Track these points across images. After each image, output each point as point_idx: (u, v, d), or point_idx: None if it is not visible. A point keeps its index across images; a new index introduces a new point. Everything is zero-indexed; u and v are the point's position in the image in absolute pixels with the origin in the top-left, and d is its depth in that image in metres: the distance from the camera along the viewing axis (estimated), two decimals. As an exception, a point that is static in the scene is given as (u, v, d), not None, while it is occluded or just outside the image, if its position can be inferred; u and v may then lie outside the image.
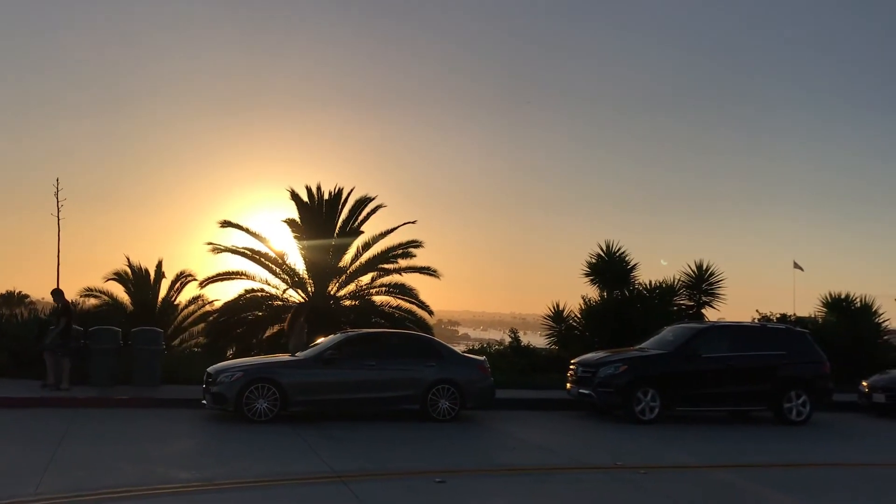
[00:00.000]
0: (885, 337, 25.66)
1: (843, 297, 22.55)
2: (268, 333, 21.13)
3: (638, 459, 10.52)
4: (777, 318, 21.72)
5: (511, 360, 20.08)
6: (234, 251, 21.67)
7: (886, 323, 25.17)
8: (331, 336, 14.38)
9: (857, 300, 22.49)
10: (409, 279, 21.88)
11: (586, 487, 8.81)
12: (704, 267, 21.83)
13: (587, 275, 22.28)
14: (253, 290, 21.68)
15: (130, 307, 21.93)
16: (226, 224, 21.81)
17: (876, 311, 22.63)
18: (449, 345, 15.56)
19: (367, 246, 21.92)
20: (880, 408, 16.58)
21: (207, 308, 23.03)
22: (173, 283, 23.01)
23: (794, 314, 22.68)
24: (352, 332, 14.63)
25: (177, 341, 22.53)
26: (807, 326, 20.37)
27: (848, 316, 21.92)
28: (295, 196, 21.75)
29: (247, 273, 21.84)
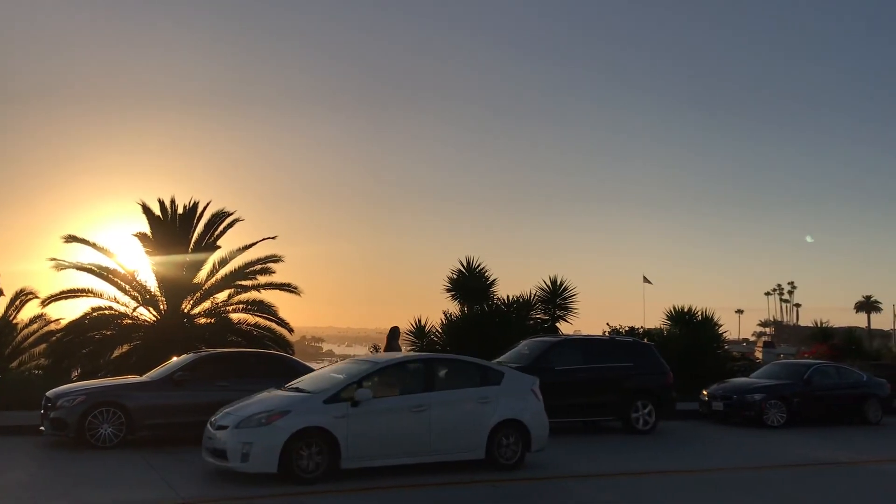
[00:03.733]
0: (725, 347, 27.48)
1: (685, 310, 23.93)
2: (116, 353, 20.13)
3: (493, 472, 10.70)
4: (626, 331, 22.77)
5: (372, 376, 19.99)
6: (80, 268, 20.55)
7: (726, 333, 26.95)
8: (182, 356, 13.85)
9: (699, 313, 23.93)
10: (268, 296, 21.46)
11: (446, 497, 8.86)
12: (559, 282, 22.63)
13: (448, 290, 22.61)
14: (101, 309, 20.62)
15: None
16: (71, 239, 20.65)
17: (716, 322, 24.17)
18: (309, 362, 15.34)
19: (223, 262, 21.33)
20: (719, 415, 17.65)
21: (52, 327, 21.70)
22: (12, 301, 21.64)
23: (643, 327, 23.86)
24: (204, 351, 14.13)
25: (15, 363, 21.10)
26: (653, 338, 21.51)
27: (690, 328, 23.28)
28: (147, 210, 20.89)
29: (94, 290, 20.76)
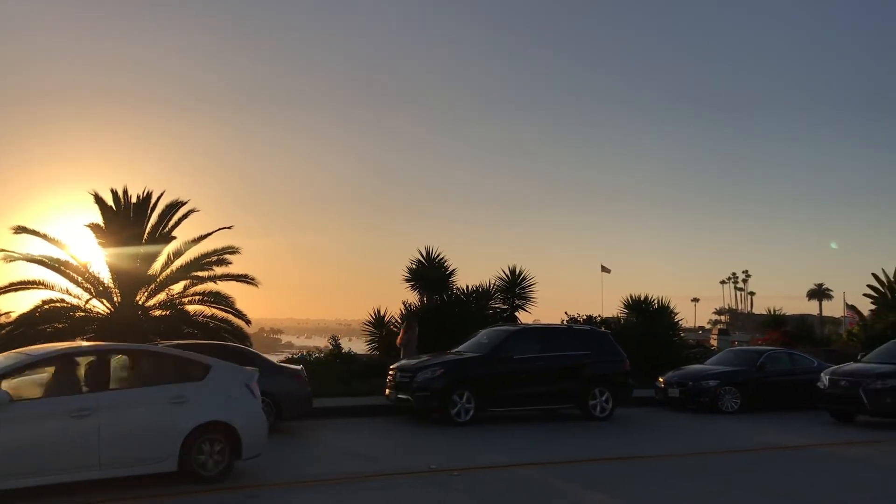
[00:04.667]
0: (681, 334, 27.93)
1: (642, 298, 24.25)
2: (69, 347, 19.69)
3: (452, 462, 10.73)
4: (584, 320, 22.99)
5: (331, 367, 19.95)
6: (31, 259, 20.07)
7: (682, 321, 27.39)
8: (137, 348, 13.57)
9: (655, 301, 24.27)
10: (225, 287, 21.19)
11: (398, 493, 8.88)
12: (518, 271, 22.76)
13: (408, 280, 22.61)
14: (52, 301, 20.17)
15: None
16: (20, 230, 20.11)
17: (672, 311, 24.55)
18: (267, 354, 15.20)
19: (179, 253, 21.00)
20: (675, 402, 17.93)
21: (1, 320, 21.18)
22: (-43, 294, 20.96)
23: (600, 315, 24.12)
24: (158, 344, 13.91)
25: (-40, 358, 20.52)
26: (610, 327, 21.77)
27: (647, 316, 23.61)
28: (99, 200, 20.46)
29: (45, 282, 20.26)
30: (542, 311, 30.36)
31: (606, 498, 8.92)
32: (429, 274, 22.22)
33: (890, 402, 15.27)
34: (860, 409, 15.61)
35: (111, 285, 20.47)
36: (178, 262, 21.01)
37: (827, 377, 16.30)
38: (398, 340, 18.60)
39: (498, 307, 22.76)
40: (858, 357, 17.70)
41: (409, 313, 20.80)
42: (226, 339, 19.32)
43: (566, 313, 23.69)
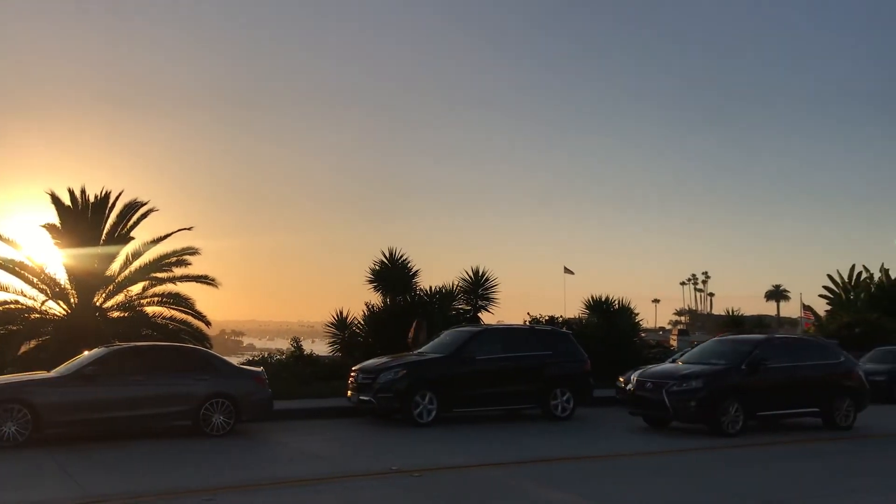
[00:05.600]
0: (642, 335, 28.23)
1: (604, 299, 24.45)
2: (24, 349, 19.38)
3: (414, 463, 10.71)
4: (546, 320, 23.11)
5: (293, 369, 19.80)
6: (-18, 260, 19.66)
7: (643, 322, 27.69)
8: (94, 350, 13.40)
9: (616, 302, 24.49)
10: (185, 288, 21.01)
11: (358, 495, 8.84)
12: (481, 273, 22.83)
13: (371, 281, 22.53)
14: (6, 303, 19.86)
15: None
16: (-28, 230, 19.73)
17: (633, 311, 24.79)
18: (229, 356, 15.07)
19: (137, 253, 20.77)
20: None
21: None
22: None
23: (562, 316, 24.27)
24: (116, 345, 13.71)
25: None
26: (572, 327, 21.93)
27: (608, 317, 23.80)
28: (56, 199, 20.15)
29: (-1, 284, 19.90)
30: (505, 311, 30.52)
31: (566, 496, 8.97)
32: (392, 275, 22.18)
33: (694, 407, 13.93)
34: (665, 413, 14.44)
35: (68, 287, 20.16)
36: (136, 263, 20.79)
37: (635, 378, 15.18)
38: (409, 339, 18.47)
39: (461, 308, 22.80)
40: (674, 358, 17.39)
41: (418, 313, 20.63)
42: (185, 341, 19.14)
43: (529, 314, 23.84)
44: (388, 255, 22.48)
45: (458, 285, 22.70)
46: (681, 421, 14.50)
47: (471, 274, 22.82)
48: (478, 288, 22.80)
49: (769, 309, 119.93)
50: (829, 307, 40.09)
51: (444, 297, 22.30)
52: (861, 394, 15.66)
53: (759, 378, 14.36)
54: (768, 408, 14.60)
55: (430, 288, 22.41)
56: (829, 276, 40.93)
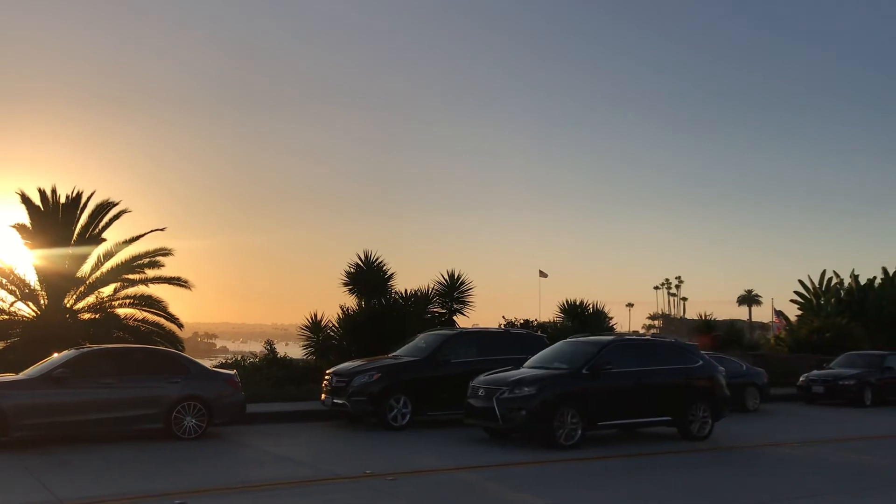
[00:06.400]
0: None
1: (578, 303, 24.59)
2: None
3: (388, 466, 10.68)
4: (521, 324, 23.18)
5: (266, 372, 19.68)
6: (-51, 260, 19.34)
7: (616, 326, 27.87)
8: (63, 352, 13.22)
9: (591, 306, 24.63)
10: (157, 290, 20.83)
11: (331, 498, 8.79)
12: (456, 276, 22.82)
13: (346, 284, 22.44)
14: (-26, 304, 19.48)
15: None
16: (-62, 230, 19.41)
17: (607, 315, 24.97)
18: (201, 359, 14.94)
19: (109, 254, 20.56)
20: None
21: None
22: None
23: (537, 320, 24.35)
24: (87, 347, 13.54)
25: None
26: (546, 331, 21.97)
27: (582, 320, 23.92)
28: (26, 199, 19.89)
29: (-35, 284, 19.58)
30: (481, 315, 30.56)
31: (538, 500, 8.99)
32: (367, 278, 22.10)
33: (524, 416, 12.38)
34: (496, 423, 12.85)
35: (38, 288, 19.90)
36: (108, 265, 20.57)
37: (471, 385, 13.53)
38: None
39: (436, 311, 22.77)
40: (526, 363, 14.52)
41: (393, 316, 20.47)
42: (157, 344, 18.96)
43: (504, 317, 23.88)
44: (363, 257, 22.41)
45: (433, 288, 22.68)
46: (510, 432, 13.16)
47: (446, 277, 22.82)
48: (453, 291, 22.78)
49: (741, 313, 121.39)
50: (800, 312, 40.60)
51: (419, 300, 22.26)
52: (719, 401, 14.34)
53: (601, 383, 12.98)
54: (612, 417, 13.22)
55: (406, 291, 22.39)
56: (801, 282, 41.48)
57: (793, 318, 40.46)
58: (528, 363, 14.15)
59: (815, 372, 23.18)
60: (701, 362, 14.54)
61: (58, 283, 19.84)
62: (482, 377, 13.63)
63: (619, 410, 13.27)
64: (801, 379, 22.95)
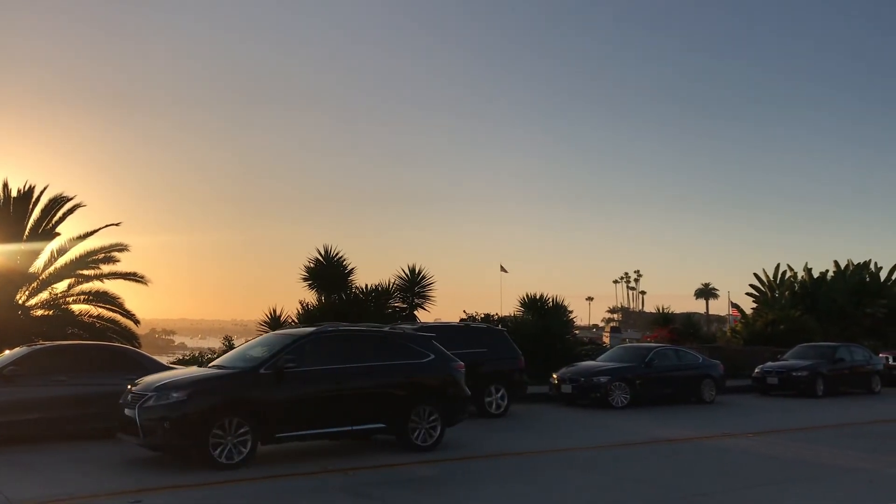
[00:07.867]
0: (575, 332, 28.68)
1: (538, 297, 24.76)
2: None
3: (350, 463, 10.66)
4: (481, 318, 23.28)
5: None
6: None
7: (576, 319, 28.12)
8: (14, 350, 12.95)
9: (550, 300, 24.83)
10: (113, 286, 20.52)
11: (294, 499, 8.76)
12: (417, 270, 22.84)
13: (305, 279, 22.34)
14: (-80, 301, 18.99)
15: None
16: None
17: (567, 309, 25.18)
18: (159, 356, 14.77)
19: (63, 250, 20.23)
20: (567, 397, 18.38)
21: None
22: None
23: (497, 314, 24.47)
24: (39, 344, 13.26)
25: None
26: (506, 325, 22.10)
27: (542, 314, 24.11)
28: (-25, 194, 19.42)
29: (-90, 282, 19.08)
30: (442, 309, 30.64)
31: (499, 491, 9.06)
32: (327, 273, 22.01)
33: (168, 428, 9.76)
34: (138, 436, 10.07)
35: (-12, 284, 19.45)
36: (62, 260, 20.24)
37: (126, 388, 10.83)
38: None
39: (397, 306, 22.78)
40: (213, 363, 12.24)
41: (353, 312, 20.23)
42: (113, 340, 18.68)
43: (465, 311, 23.97)
44: (323, 252, 22.32)
45: (394, 283, 22.68)
46: (155, 449, 10.40)
47: (407, 272, 22.82)
48: (414, 286, 22.81)
49: (699, 306, 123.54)
50: (755, 305, 41.34)
51: (379, 295, 22.25)
52: (453, 404, 12.17)
53: (286, 386, 10.50)
54: (300, 426, 10.59)
55: (367, 286, 22.36)
56: (756, 275, 42.22)
57: (748, 311, 41.19)
58: (214, 363, 11.95)
59: (769, 363, 23.64)
60: (432, 357, 12.25)
61: (9, 279, 19.46)
62: (147, 379, 10.89)
63: (311, 418, 10.70)
64: (755, 371, 23.40)
